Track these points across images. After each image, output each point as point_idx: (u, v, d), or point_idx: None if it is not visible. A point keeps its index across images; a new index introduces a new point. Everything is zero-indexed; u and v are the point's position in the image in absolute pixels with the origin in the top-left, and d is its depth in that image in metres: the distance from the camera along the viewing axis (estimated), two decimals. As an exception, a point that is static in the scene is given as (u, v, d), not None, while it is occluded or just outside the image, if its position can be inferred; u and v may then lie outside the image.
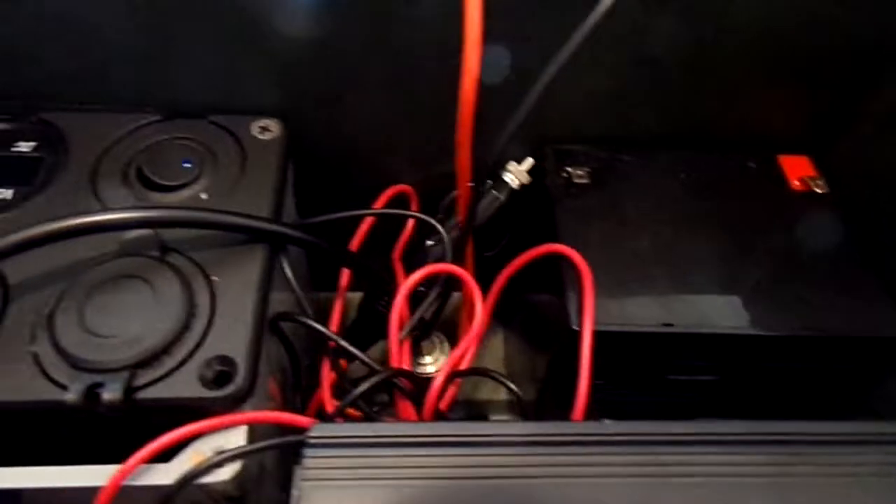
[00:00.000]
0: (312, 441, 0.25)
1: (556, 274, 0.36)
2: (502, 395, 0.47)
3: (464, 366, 0.35)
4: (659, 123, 0.43)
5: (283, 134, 0.37)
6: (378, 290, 0.42)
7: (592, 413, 0.34)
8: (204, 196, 0.34)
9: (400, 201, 0.44)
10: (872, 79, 0.40)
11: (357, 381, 0.33)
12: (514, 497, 0.24)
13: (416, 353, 0.46)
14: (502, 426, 0.25)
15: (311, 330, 0.33)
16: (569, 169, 0.40)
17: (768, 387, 0.38)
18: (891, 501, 0.24)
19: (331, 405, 0.34)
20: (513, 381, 0.34)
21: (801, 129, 0.43)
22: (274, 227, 0.32)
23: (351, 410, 0.35)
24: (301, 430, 0.28)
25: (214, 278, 0.31)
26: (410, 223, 0.44)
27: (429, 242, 0.43)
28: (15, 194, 0.33)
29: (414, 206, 0.44)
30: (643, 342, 0.35)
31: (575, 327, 0.34)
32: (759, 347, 0.35)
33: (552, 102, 0.42)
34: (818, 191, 0.40)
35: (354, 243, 0.41)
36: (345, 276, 0.39)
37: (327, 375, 0.35)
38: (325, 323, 0.37)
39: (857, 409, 0.39)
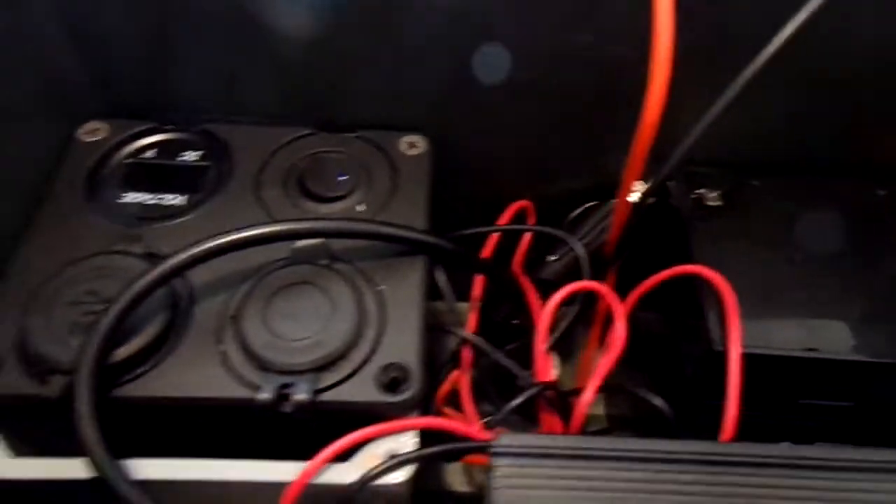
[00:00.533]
0: (500, 450, 0.26)
1: (692, 294, 0.37)
2: (615, 410, 0.48)
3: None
4: (788, 148, 0.43)
5: (428, 150, 0.39)
6: (502, 303, 0.43)
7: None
8: (360, 208, 0.36)
9: (520, 217, 0.46)
10: None
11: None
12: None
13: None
14: (689, 444, 0.26)
15: (467, 342, 0.34)
16: (701, 191, 0.41)
17: (901, 415, 0.38)
18: None
19: (473, 416, 0.35)
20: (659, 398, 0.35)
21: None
22: (435, 239, 0.33)
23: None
24: (466, 439, 0.29)
25: (381, 287, 0.32)
26: (527, 237, 0.45)
27: (551, 258, 0.44)
28: (186, 200, 0.36)
29: (531, 221, 0.45)
30: (784, 366, 0.35)
31: (718, 348, 0.34)
32: (902, 376, 0.35)
33: (685, 123, 0.43)
34: (954, 221, 0.40)
35: (485, 255, 0.42)
36: (478, 287, 0.40)
37: (465, 383, 0.36)
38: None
39: None
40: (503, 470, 0.25)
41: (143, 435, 0.29)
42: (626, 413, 0.47)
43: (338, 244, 0.33)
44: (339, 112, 0.39)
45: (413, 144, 0.39)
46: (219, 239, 0.30)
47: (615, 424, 0.48)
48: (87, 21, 0.35)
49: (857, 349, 0.35)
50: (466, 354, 0.37)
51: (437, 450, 0.29)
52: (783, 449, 0.26)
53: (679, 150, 0.33)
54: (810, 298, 0.37)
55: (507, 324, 0.44)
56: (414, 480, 0.29)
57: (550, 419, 0.34)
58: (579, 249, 0.39)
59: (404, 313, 0.32)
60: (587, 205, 0.45)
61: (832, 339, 0.35)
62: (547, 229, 0.41)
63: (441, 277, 0.35)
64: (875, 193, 0.42)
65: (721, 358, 0.34)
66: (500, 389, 0.39)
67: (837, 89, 0.40)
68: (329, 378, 0.29)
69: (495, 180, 0.45)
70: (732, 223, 0.40)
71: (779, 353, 0.35)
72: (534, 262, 0.46)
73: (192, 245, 0.30)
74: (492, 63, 0.37)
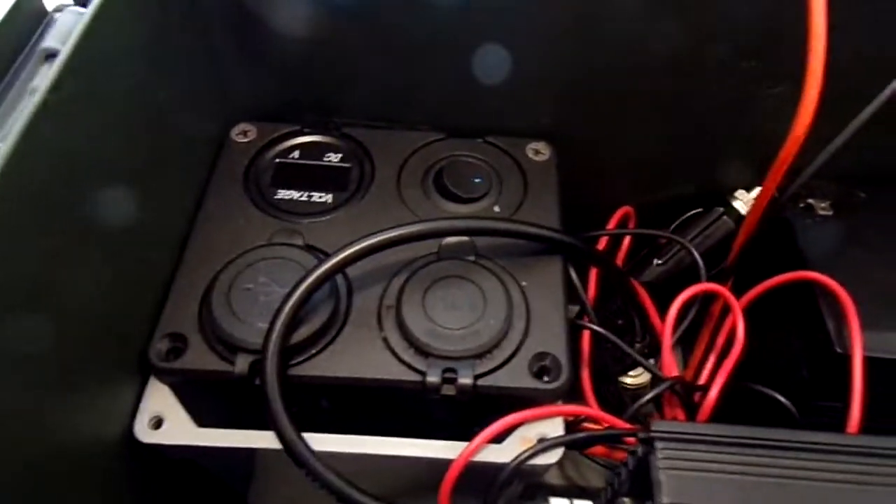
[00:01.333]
0: (659, 435, 0.28)
1: (806, 300, 0.39)
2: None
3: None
4: (887, 160, 0.45)
5: (553, 156, 0.41)
6: (611, 303, 0.45)
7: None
8: (496, 209, 0.38)
9: (623, 221, 0.48)
10: None
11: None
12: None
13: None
14: (831, 436, 0.28)
15: (604, 338, 0.36)
16: (810, 201, 0.43)
17: None
18: None
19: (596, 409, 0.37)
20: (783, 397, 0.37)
21: None
22: (572, 240, 0.36)
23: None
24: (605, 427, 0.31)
25: (523, 283, 0.35)
26: (626, 241, 0.47)
27: (656, 261, 0.46)
28: (333, 198, 0.38)
29: (632, 225, 0.47)
30: (900, 370, 0.37)
31: (839, 351, 0.36)
32: None
33: (772, 137, 0.45)
34: None
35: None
36: (592, 285, 0.42)
37: (587, 378, 0.39)
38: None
39: None
40: (665, 452, 0.27)
41: (316, 411, 0.31)
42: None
43: (483, 242, 0.36)
44: (467, 118, 0.42)
45: (539, 151, 0.41)
46: (381, 235, 0.32)
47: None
48: (251, 25, 0.38)
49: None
50: (586, 349, 0.39)
51: (586, 435, 0.31)
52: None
53: (815, 163, 0.34)
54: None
55: (612, 323, 0.46)
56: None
57: (676, 413, 0.36)
58: (696, 253, 0.41)
59: (548, 307, 0.34)
60: (693, 211, 0.47)
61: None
62: (666, 234, 0.43)
63: (574, 276, 0.37)
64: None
65: (841, 360, 0.36)
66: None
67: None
68: (486, 365, 0.32)
69: (606, 187, 0.47)
70: (843, 232, 0.41)
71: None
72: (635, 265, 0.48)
73: (357, 241, 0.32)
74: (611, 70, 0.40)
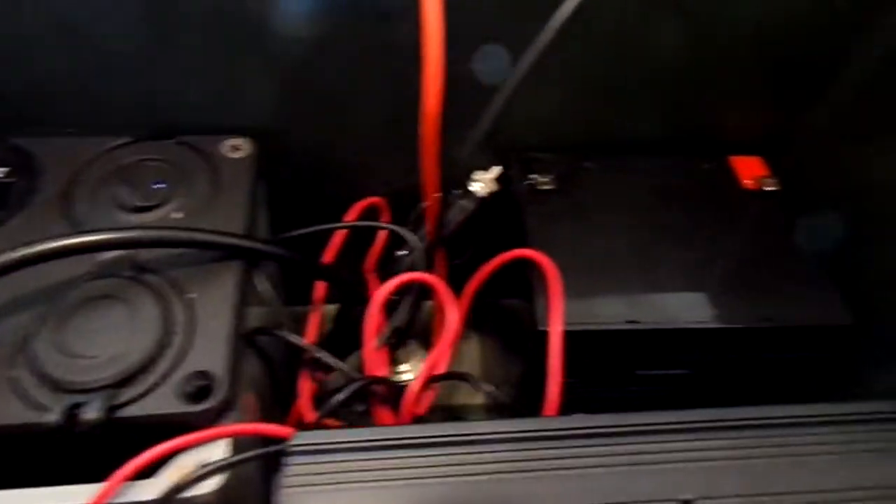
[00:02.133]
0: (293, 449, 0.26)
1: (525, 278, 0.38)
2: (479, 399, 0.48)
3: (440, 370, 0.36)
4: (616, 130, 0.45)
5: (253, 152, 0.38)
6: (353, 301, 0.42)
7: (566, 411, 0.35)
8: (177, 215, 0.35)
9: (372, 214, 0.45)
10: (819, 87, 0.43)
11: (336, 391, 0.33)
12: (492, 493, 0.25)
13: (394, 361, 0.47)
14: (476, 425, 0.26)
15: (288, 343, 0.34)
16: (534, 175, 0.42)
17: (736, 378, 0.40)
18: (839, 475, 0.26)
19: (310, 415, 0.35)
20: (489, 385, 0.35)
21: (757, 133, 0.46)
22: (247, 242, 0.33)
23: (330, 421, 0.36)
24: (282, 440, 0.29)
25: (191, 295, 0.32)
26: (382, 235, 0.45)
27: (400, 253, 0.44)
28: (-12, 220, 0.34)
29: (385, 217, 0.45)
30: (611, 340, 0.36)
31: (542, 328, 0.35)
32: (719, 340, 0.37)
33: (517, 111, 0.44)
34: (769, 188, 0.42)
35: (328, 256, 0.41)
36: (319, 288, 0.40)
37: (305, 386, 0.36)
38: (301, 335, 0.38)
39: (825, 395, 0.41)
40: (294, 468, 0.25)
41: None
42: (481, 402, 0.47)
43: (146, 254, 0.32)
44: (162, 119, 0.38)
45: (237, 147, 0.38)
46: (4, 256, 0.28)
47: (475, 413, 0.48)
48: None
49: (676, 318, 0.36)
50: (307, 358, 0.37)
51: (242, 457, 0.28)
52: (573, 420, 0.27)
53: (468, 145, 0.33)
54: (636, 274, 0.38)
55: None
56: (226, 491, 0.29)
57: (383, 413, 0.34)
58: (414, 242, 0.39)
59: (215, 320, 0.31)
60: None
61: (654, 310, 0.36)
62: (379, 224, 0.41)
63: (262, 281, 0.34)
64: (701, 168, 0.44)
65: (547, 337, 0.35)
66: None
67: (662, 73, 0.42)
68: (128, 393, 0.28)
69: (344, 179, 0.45)
70: (564, 205, 0.41)
71: (603, 327, 0.36)
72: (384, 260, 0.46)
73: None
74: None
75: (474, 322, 0.57)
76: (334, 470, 0.25)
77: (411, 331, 0.41)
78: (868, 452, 0.27)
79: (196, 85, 0.38)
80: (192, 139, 0.38)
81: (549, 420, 0.27)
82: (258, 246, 0.33)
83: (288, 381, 0.38)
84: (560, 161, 0.43)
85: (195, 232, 0.32)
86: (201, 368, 0.29)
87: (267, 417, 0.37)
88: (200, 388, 0.29)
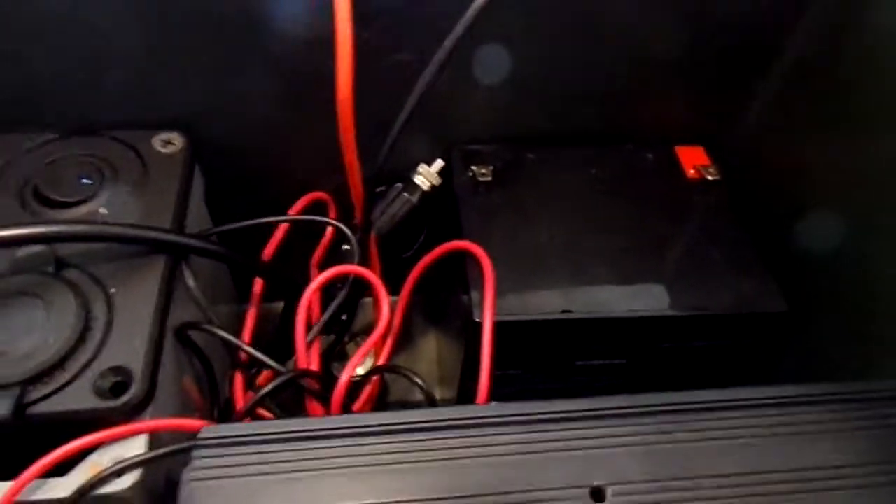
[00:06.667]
0: (202, 442, 0.25)
1: (462, 270, 0.38)
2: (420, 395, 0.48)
3: (379, 362, 0.36)
4: (560, 122, 0.45)
5: (185, 146, 0.38)
6: (295, 298, 0.42)
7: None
8: (103, 210, 0.34)
9: (318, 209, 0.45)
10: (756, 75, 0.43)
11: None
12: (396, 481, 0.24)
13: (342, 357, 0.47)
14: (384, 416, 0.26)
15: (220, 338, 0.33)
16: (473, 167, 0.42)
17: (673, 367, 0.40)
18: (757, 459, 0.26)
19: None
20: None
21: (697, 121, 0.46)
22: (171, 237, 0.32)
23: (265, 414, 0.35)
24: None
25: (112, 290, 0.31)
26: (329, 231, 0.45)
27: (344, 247, 0.44)
28: None
29: (332, 212, 0.45)
30: (546, 330, 0.36)
31: (477, 319, 0.35)
32: (654, 328, 0.37)
33: (461, 104, 0.44)
34: (710, 178, 0.42)
35: (268, 251, 0.41)
36: (258, 284, 0.40)
37: (238, 380, 0.36)
38: (238, 332, 0.38)
39: (759, 382, 0.41)
40: (199, 462, 0.25)
41: None
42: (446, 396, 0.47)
43: (68, 249, 0.32)
44: (91, 114, 0.38)
45: (169, 142, 0.37)
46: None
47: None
48: None
49: (610, 307, 0.36)
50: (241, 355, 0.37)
51: (156, 453, 0.28)
52: (489, 409, 0.27)
53: (389, 137, 0.33)
54: (571, 264, 0.38)
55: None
56: (144, 487, 0.28)
57: (314, 407, 0.34)
58: (351, 236, 0.38)
59: (135, 315, 0.30)
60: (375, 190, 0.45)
61: (588, 300, 0.36)
62: (319, 218, 0.40)
63: (190, 276, 0.33)
64: (645, 158, 0.44)
65: (480, 329, 0.35)
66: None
67: (606, 65, 0.42)
68: (40, 390, 0.28)
69: (288, 174, 0.45)
70: (501, 197, 0.41)
71: (537, 317, 0.36)
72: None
73: None
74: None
75: (431, 317, 0.58)
76: (240, 463, 0.25)
77: (351, 325, 0.41)
78: (792, 436, 0.26)
79: (127, 78, 0.38)
80: (123, 134, 0.38)
81: (463, 409, 0.27)
82: (182, 240, 0.33)
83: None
84: (501, 153, 0.43)
85: (115, 226, 0.31)
86: (118, 364, 0.29)
87: (201, 413, 0.37)
88: (116, 383, 0.29)
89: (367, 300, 0.46)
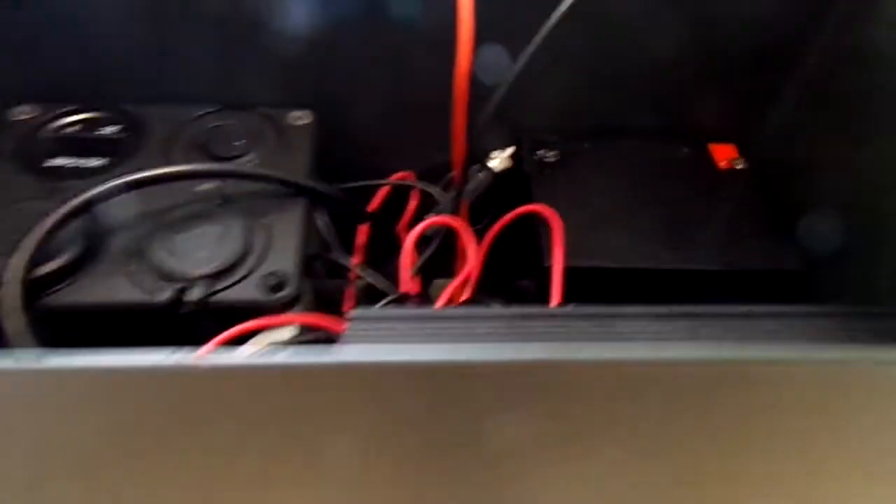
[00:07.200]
0: (354, 317, 0.33)
1: (533, 230, 0.46)
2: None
3: (464, 297, 0.44)
4: (614, 116, 0.53)
5: (313, 121, 0.47)
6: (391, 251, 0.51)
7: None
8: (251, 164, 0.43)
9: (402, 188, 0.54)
10: (782, 78, 0.51)
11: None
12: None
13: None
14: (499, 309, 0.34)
15: (337, 265, 0.42)
16: (540, 152, 0.50)
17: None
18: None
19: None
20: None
21: (730, 121, 0.54)
22: (310, 184, 0.41)
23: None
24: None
25: (266, 221, 0.40)
26: (413, 202, 0.53)
27: (430, 215, 0.52)
28: (104, 164, 0.42)
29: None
30: (601, 277, 0.44)
31: (546, 264, 0.43)
32: (685, 281, 0.44)
33: (528, 100, 0.53)
34: (738, 167, 0.51)
35: (371, 208, 0.50)
36: (363, 234, 0.48)
37: (350, 295, 0.44)
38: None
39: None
40: (353, 329, 0.32)
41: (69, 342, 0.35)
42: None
43: (232, 188, 0.41)
44: (241, 92, 0.47)
45: (300, 118, 0.47)
46: (118, 180, 0.37)
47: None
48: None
49: (656, 261, 0.44)
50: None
51: (306, 338, 0.36)
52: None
53: (488, 108, 0.41)
54: (621, 228, 0.46)
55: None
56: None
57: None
58: (441, 197, 0.47)
59: (285, 238, 0.39)
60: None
61: (637, 255, 0.44)
62: (410, 183, 0.49)
63: (321, 218, 0.42)
64: (681, 151, 0.53)
65: (549, 272, 0.43)
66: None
67: (654, 68, 0.51)
68: (221, 284, 0.36)
69: (382, 153, 0.54)
70: (564, 176, 0.49)
71: (595, 264, 0.44)
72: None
73: (98, 186, 0.37)
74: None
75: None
76: (390, 328, 0.32)
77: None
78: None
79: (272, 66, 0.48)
80: (266, 110, 0.47)
81: (546, 308, 0.35)
82: (318, 187, 0.42)
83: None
84: (563, 142, 0.52)
85: (271, 171, 0.40)
86: (276, 269, 0.37)
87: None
88: (276, 283, 0.37)
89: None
